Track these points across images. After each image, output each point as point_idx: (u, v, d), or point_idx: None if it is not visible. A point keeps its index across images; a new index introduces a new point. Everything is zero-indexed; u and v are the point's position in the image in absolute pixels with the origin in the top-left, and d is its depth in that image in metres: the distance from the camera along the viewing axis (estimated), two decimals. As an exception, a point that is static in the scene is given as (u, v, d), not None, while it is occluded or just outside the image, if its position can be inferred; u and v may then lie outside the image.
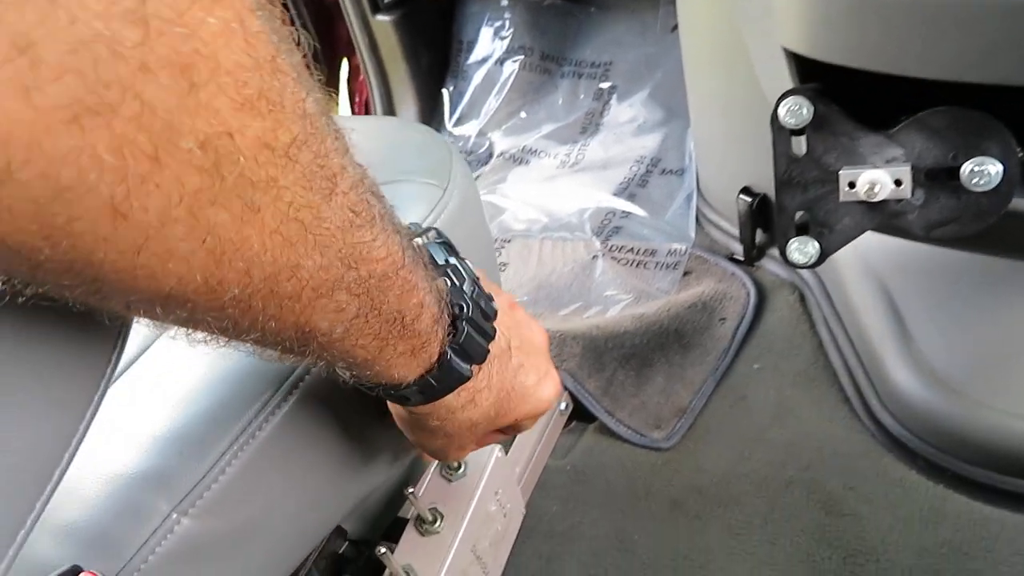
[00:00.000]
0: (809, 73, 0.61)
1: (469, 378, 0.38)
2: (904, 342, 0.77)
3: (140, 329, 0.30)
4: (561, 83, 1.30)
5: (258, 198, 0.23)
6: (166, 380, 0.45)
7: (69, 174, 0.19)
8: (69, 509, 0.39)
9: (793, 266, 0.60)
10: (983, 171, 0.52)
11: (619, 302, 0.98)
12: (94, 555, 0.37)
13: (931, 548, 0.71)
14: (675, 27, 1.16)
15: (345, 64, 1.39)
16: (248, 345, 0.29)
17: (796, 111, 0.55)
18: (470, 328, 0.37)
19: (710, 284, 0.96)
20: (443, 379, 0.37)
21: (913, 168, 0.54)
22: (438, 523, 0.55)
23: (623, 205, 1.10)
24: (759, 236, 0.96)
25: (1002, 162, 0.52)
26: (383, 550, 0.51)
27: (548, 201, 1.14)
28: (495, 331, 0.39)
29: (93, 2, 0.18)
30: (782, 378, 0.87)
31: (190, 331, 0.28)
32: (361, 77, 1.34)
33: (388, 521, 0.60)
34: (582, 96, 1.27)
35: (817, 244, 0.59)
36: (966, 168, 0.52)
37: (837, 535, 0.74)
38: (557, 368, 0.48)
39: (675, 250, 1.01)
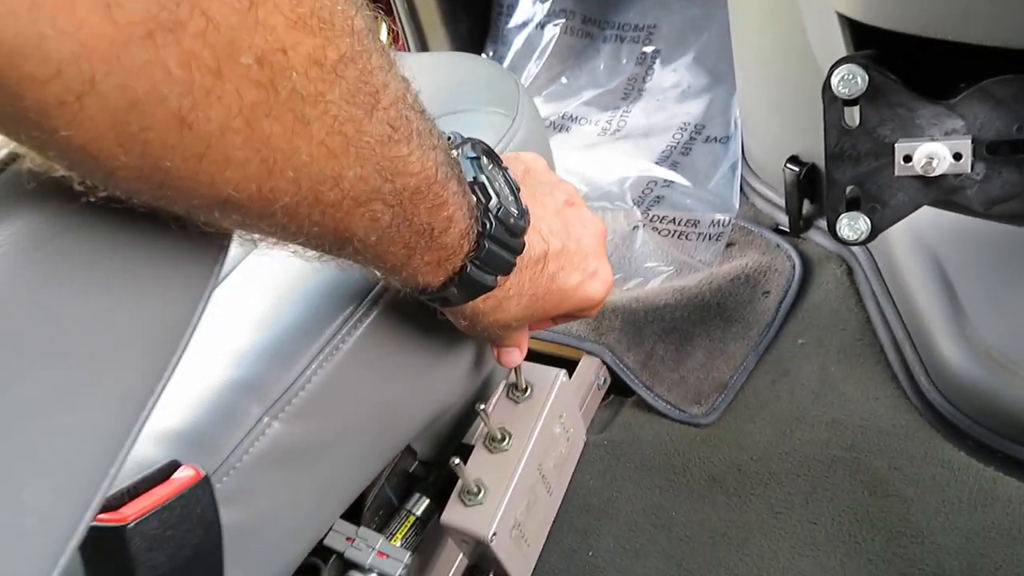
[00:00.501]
0: (864, 39, 0.58)
1: (493, 287, 0.39)
2: (956, 318, 0.74)
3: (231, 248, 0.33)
4: (603, 47, 1.26)
5: (307, 111, 0.24)
6: (255, 296, 0.47)
7: (144, 86, 0.20)
8: (168, 414, 0.42)
9: (843, 243, 0.58)
10: (1050, 144, 0.49)
11: (660, 274, 0.96)
12: (192, 454, 0.39)
13: (979, 532, 0.69)
14: (722, -12, 1.12)
15: (384, 30, 1.38)
16: (291, 246, 0.31)
17: (850, 80, 0.53)
18: (492, 245, 0.38)
19: (754, 256, 0.94)
20: (464, 289, 0.39)
21: (974, 141, 0.51)
22: (506, 441, 0.57)
23: (665, 174, 1.08)
24: (806, 207, 0.93)
25: (1072, 135, 0.48)
26: (456, 461, 0.53)
27: (589, 169, 1.12)
28: (523, 245, 0.40)
29: None
30: (826, 354, 0.85)
31: (243, 233, 0.30)
32: (400, 43, 1.32)
33: (455, 445, 0.62)
34: (624, 61, 1.24)
35: (868, 220, 0.56)
36: (1032, 141, 0.49)
37: (881, 516, 0.72)
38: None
39: (718, 221, 0.99)
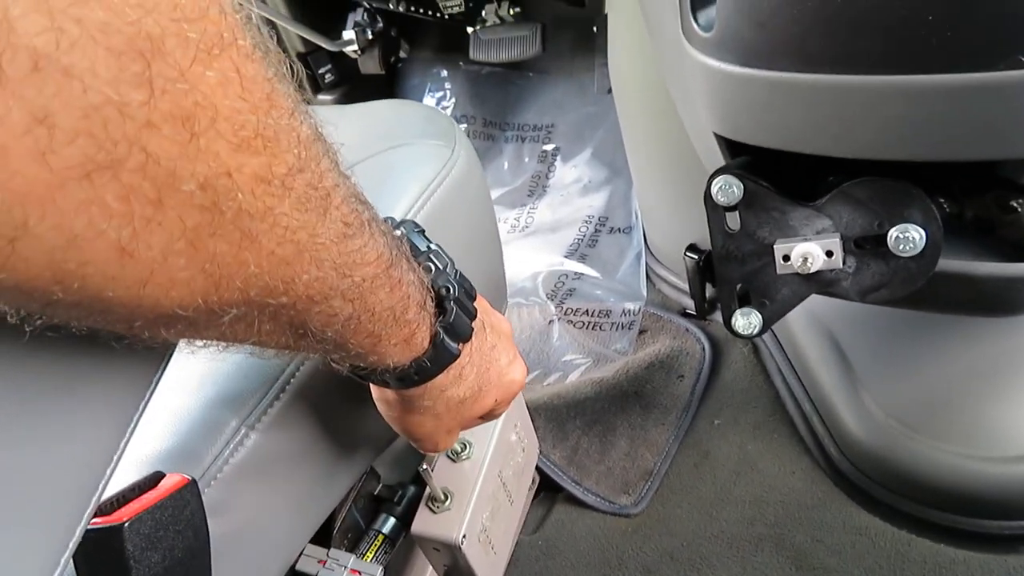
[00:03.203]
0: (739, 149, 0.63)
1: (458, 356, 0.40)
2: (853, 390, 0.79)
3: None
4: (506, 147, 1.32)
5: (255, 226, 0.24)
6: None
7: (81, 223, 0.20)
8: (148, 431, 0.43)
9: (738, 336, 0.61)
10: (908, 237, 0.54)
11: (578, 366, 0.99)
12: (174, 467, 0.39)
13: (901, 595, 0.72)
14: (610, 89, 1.19)
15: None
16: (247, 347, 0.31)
17: (727, 190, 0.57)
18: (457, 308, 0.39)
19: (666, 342, 0.97)
20: (436, 359, 0.39)
21: (842, 238, 0.56)
22: (467, 450, 0.59)
23: (575, 267, 1.12)
24: (709, 291, 0.97)
25: (924, 228, 0.54)
26: (425, 466, 0.54)
27: (501, 267, 1.15)
28: (476, 310, 0.42)
29: (103, 70, 0.19)
30: (742, 432, 0.88)
31: (190, 341, 0.29)
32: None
33: (415, 467, 0.63)
34: (527, 159, 1.29)
35: (759, 315, 0.60)
36: (892, 235, 0.54)
37: (809, 591, 0.75)
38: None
39: (629, 310, 1.03)
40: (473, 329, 0.41)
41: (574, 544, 0.84)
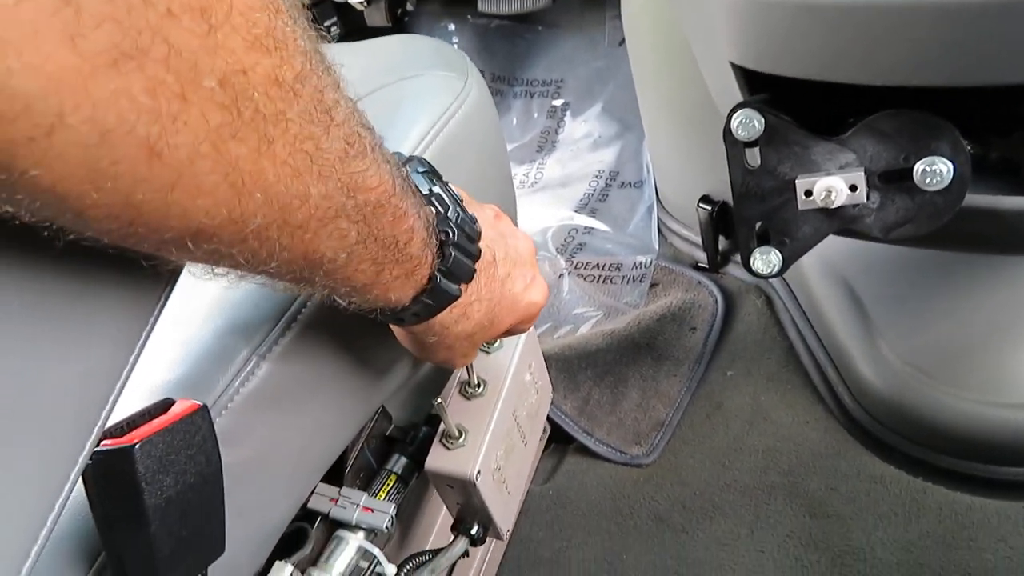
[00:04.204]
0: (758, 85, 0.62)
1: (459, 296, 0.40)
2: (870, 338, 0.78)
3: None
4: (514, 103, 1.30)
5: (270, 131, 0.25)
6: None
7: (112, 117, 0.20)
8: (158, 361, 0.43)
9: (757, 276, 0.60)
10: (934, 170, 0.52)
11: (589, 319, 0.98)
12: (185, 395, 0.38)
13: (916, 542, 0.72)
14: (622, 41, 1.17)
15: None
16: (262, 278, 0.31)
17: (747, 124, 0.56)
18: (456, 252, 0.39)
19: (678, 294, 0.96)
20: (435, 299, 0.39)
21: (867, 172, 0.55)
22: (482, 388, 0.58)
23: (585, 221, 1.10)
24: (722, 243, 0.96)
25: (952, 160, 0.52)
26: (439, 400, 0.53)
27: (510, 222, 1.14)
28: (480, 250, 0.42)
29: None
30: (755, 383, 0.87)
31: (214, 268, 0.30)
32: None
33: (428, 408, 0.63)
34: (536, 115, 1.27)
35: (779, 254, 0.59)
36: (918, 168, 0.53)
37: (823, 537, 0.74)
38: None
39: (640, 263, 1.02)
40: (476, 270, 0.41)
41: (585, 494, 0.84)
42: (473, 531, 0.58)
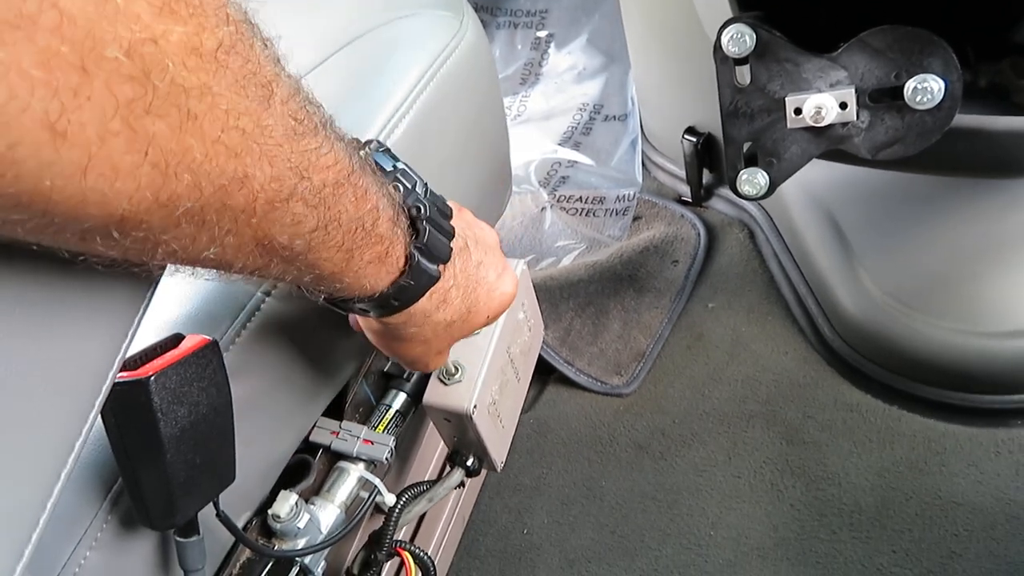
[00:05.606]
0: (748, 1, 0.60)
1: (438, 278, 0.39)
2: (850, 269, 0.78)
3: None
4: (497, 34, 1.27)
5: (193, 105, 0.23)
6: None
7: (1, 95, 0.19)
8: (168, 299, 0.43)
9: (744, 198, 0.59)
10: (926, 88, 0.52)
11: (571, 251, 0.97)
12: (193, 330, 0.39)
13: (889, 468, 0.73)
14: (609, -31, 1.14)
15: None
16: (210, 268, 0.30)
17: (739, 39, 0.54)
18: (431, 228, 0.37)
19: (660, 228, 0.96)
20: (415, 279, 0.37)
21: (857, 90, 0.54)
22: None
23: (568, 154, 1.09)
24: (706, 176, 0.95)
25: (944, 78, 0.51)
26: None
27: (492, 155, 1.12)
28: (454, 229, 0.40)
29: None
30: (736, 315, 0.88)
31: (146, 257, 0.28)
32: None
33: None
34: (520, 47, 1.25)
35: (766, 175, 0.58)
36: (909, 86, 0.52)
37: (799, 464, 0.76)
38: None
39: (623, 196, 1.01)
40: (452, 249, 0.39)
41: (566, 423, 0.85)
42: (469, 463, 0.58)
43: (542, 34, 1.24)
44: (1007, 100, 0.63)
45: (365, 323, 0.43)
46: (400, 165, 0.39)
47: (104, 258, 0.26)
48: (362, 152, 0.35)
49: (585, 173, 1.06)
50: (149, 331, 0.39)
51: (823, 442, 0.76)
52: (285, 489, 0.50)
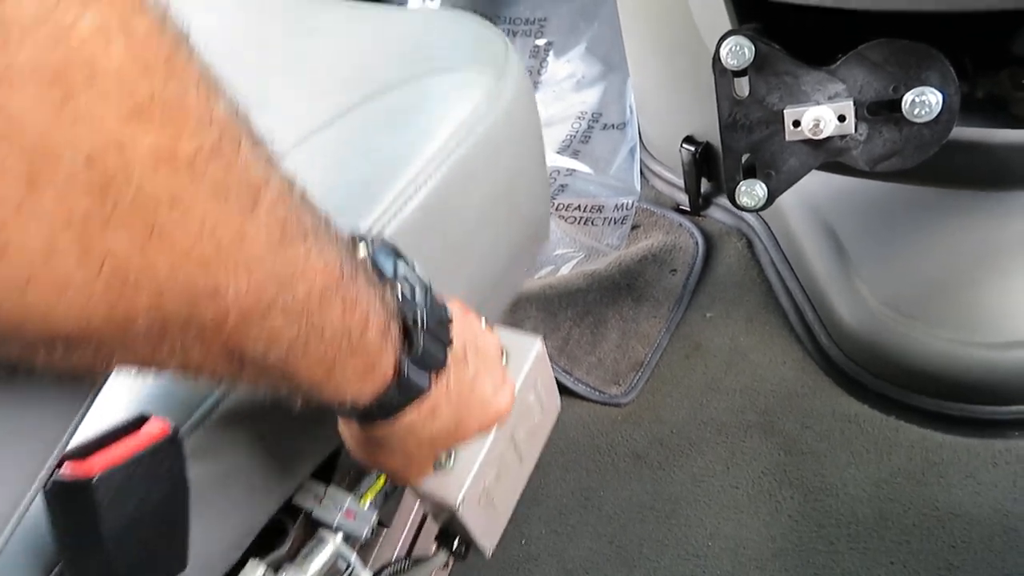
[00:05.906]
0: (747, 13, 0.60)
1: (427, 389, 0.36)
2: (848, 279, 0.78)
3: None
4: (496, 42, 1.27)
5: (162, 217, 0.20)
6: None
7: None
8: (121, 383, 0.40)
9: (742, 209, 0.60)
10: (924, 101, 0.52)
11: (570, 260, 0.97)
12: (163, 408, 0.38)
13: (887, 478, 0.73)
14: (608, -22, 1.14)
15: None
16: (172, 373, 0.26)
17: (738, 52, 0.54)
18: (427, 338, 0.34)
19: (659, 236, 0.96)
20: (403, 392, 0.35)
21: (855, 103, 0.54)
22: None
23: (567, 163, 1.09)
24: (704, 185, 0.95)
25: (941, 91, 0.52)
26: None
27: (491, 163, 1.12)
28: (452, 337, 0.37)
29: None
30: (734, 324, 0.88)
31: (102, 370, 0.25)
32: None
33: None
34: (518, 55, 1.25)
35: (764, 187, 0.59)
36: (907, 99, 0.52)
37: (797, 474, 0.75)
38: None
39: (622, 204, 1.01)
40: (447, 357, 0.36)
41: (563, 432, 0.84)
42: (454, 548, 0.54)
43: (541, 42, 1.24)
44: (1005, 111, 0.63)
45: (344, 428, 0.41)
46: (401, 269, 0.35)
47: (49, 369, 0.23)
48: (360, 253, 0.33)
49: (584, 181, 1.06)
50: (116, 404, 0.36)
51: (821, 452, 0.76)
52: (254, 558, 0.46)
